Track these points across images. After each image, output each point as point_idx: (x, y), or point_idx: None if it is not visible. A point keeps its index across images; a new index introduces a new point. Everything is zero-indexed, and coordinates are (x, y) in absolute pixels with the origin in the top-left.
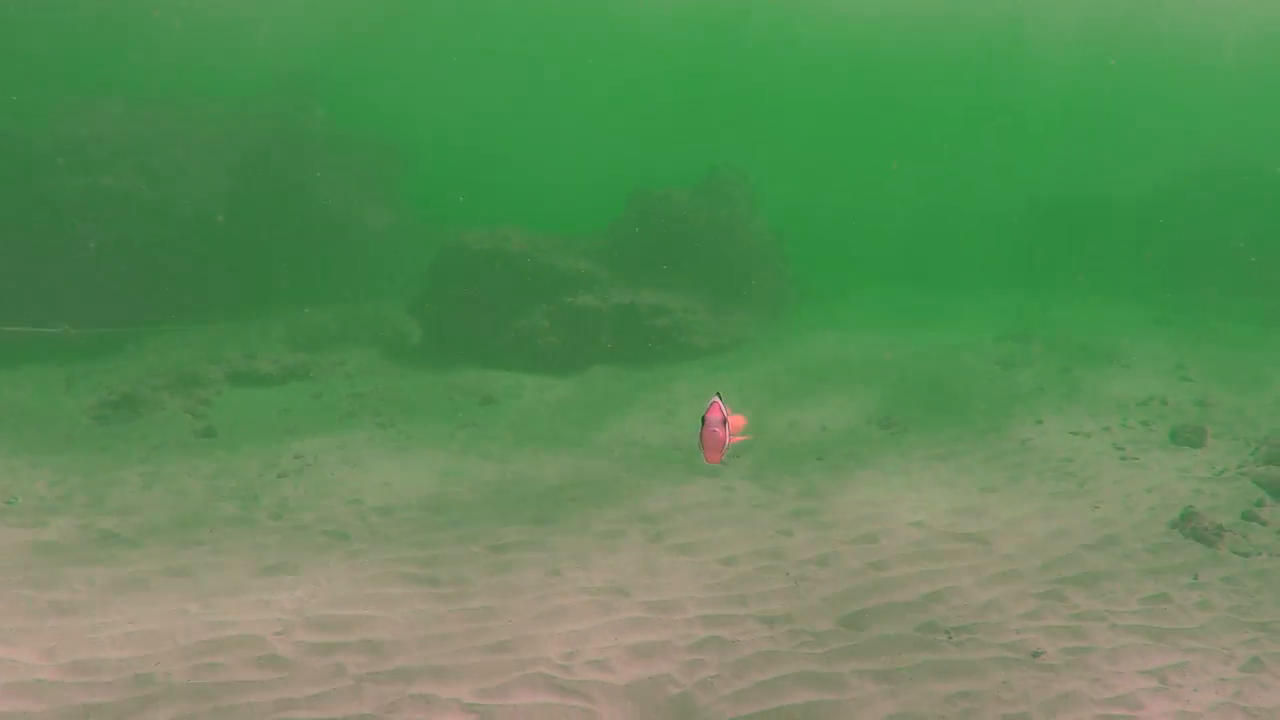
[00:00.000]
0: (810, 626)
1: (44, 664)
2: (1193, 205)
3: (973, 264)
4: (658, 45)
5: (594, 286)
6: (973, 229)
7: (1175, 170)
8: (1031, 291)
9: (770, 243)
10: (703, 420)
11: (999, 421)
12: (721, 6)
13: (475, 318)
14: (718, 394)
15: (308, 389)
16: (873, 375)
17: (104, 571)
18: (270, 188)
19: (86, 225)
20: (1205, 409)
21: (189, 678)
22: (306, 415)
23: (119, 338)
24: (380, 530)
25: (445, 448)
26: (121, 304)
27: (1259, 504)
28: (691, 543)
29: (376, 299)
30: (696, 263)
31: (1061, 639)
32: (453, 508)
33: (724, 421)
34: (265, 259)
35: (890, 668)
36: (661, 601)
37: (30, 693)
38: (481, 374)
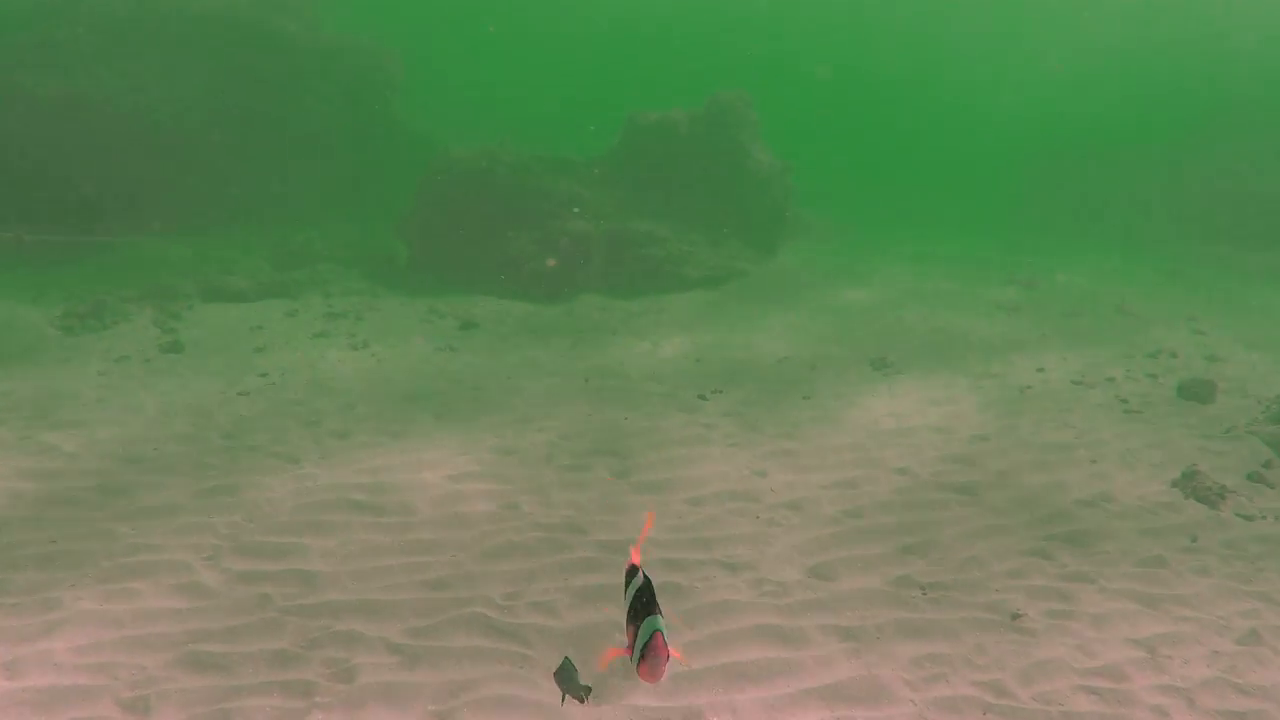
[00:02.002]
0: (775, 575)
1: None
2: (1216, 154)
3: (987, 209)
4: None
5: (587, 212)
6: (990, 172)
7: (1201, 114)
8: (1040, 239)
9: (773, 174)
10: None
11: (997, 367)
12: None
13: (462, 240)
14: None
15: (283, 307)
16: (870, 315)
17: (35, 486)
18: (252, 99)
19: (62, 130)
20: (1216, 364)
21: (101, 603)
22: (279, 334)
23: (94, 249)
24: (333, 454)
25: (418, 371)
26: (97, 213)
27: (1267, 465)
28: (659, 480)
29: (364, 220)
30: (694, 192)
31: (1045, 600)
32: (412, 432)
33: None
34: (246, 173)
35: (857, 624)
36: (618, 541)
37: None
38: (465, 298)
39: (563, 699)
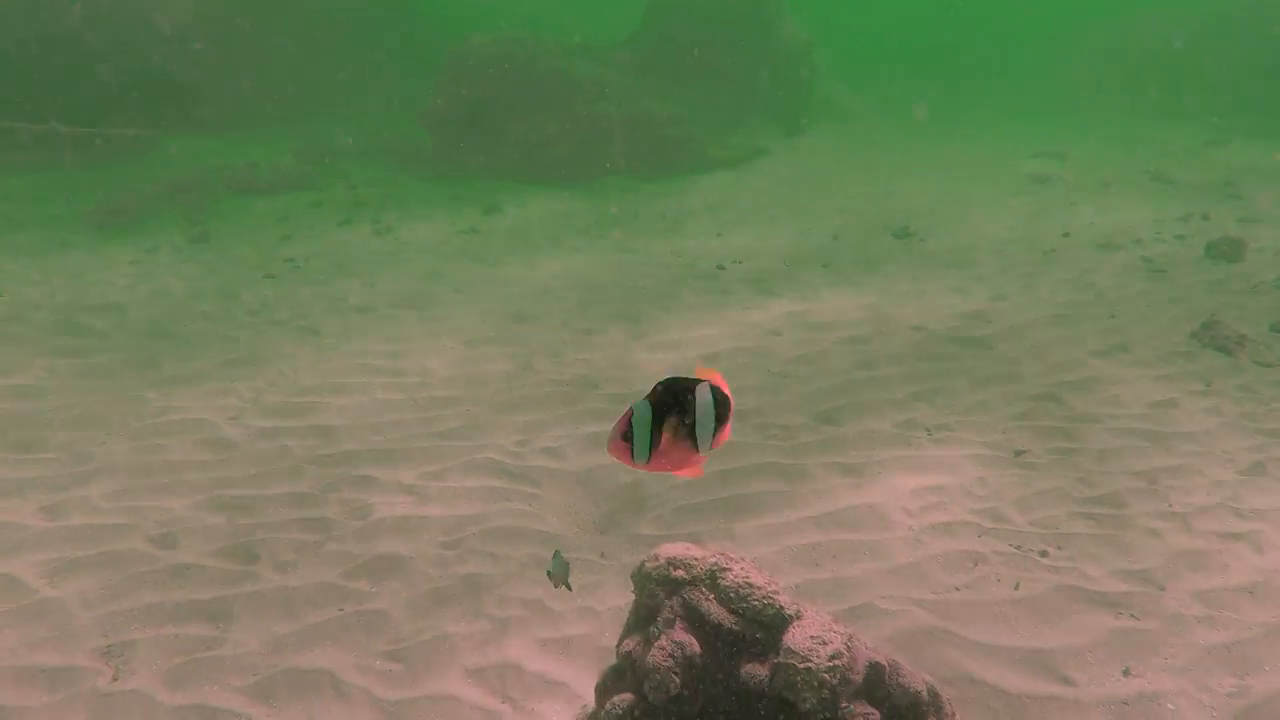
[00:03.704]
0: (782, 420)
1: None
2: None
3: (1018, 82)
4: None
5: (609, 94)
6: (1018, 40)
7: None
8: (1074, 112)
9: (798, 51)
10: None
11: (1022, 233)
12: None
13: (484, 127)
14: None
15: (309, 198)
16: (894, 188)
17: (68, 362)
18: (273, 7)
19: (90, 30)
20: (1249, 225)
21: (131, 456)
22: (304, 222)
23: (124, 147)
24: (355, 326)
25: (439, 252)
26: (127, 111)
27: None
28: (673, 340)
29: (389, 111)
30: (718, 71)
31: (1051, 439)
32: (433, 305)
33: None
34: (272, 71)
35: (860, 461)
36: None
37: None
38: (489, 184)
39: (555, 585)
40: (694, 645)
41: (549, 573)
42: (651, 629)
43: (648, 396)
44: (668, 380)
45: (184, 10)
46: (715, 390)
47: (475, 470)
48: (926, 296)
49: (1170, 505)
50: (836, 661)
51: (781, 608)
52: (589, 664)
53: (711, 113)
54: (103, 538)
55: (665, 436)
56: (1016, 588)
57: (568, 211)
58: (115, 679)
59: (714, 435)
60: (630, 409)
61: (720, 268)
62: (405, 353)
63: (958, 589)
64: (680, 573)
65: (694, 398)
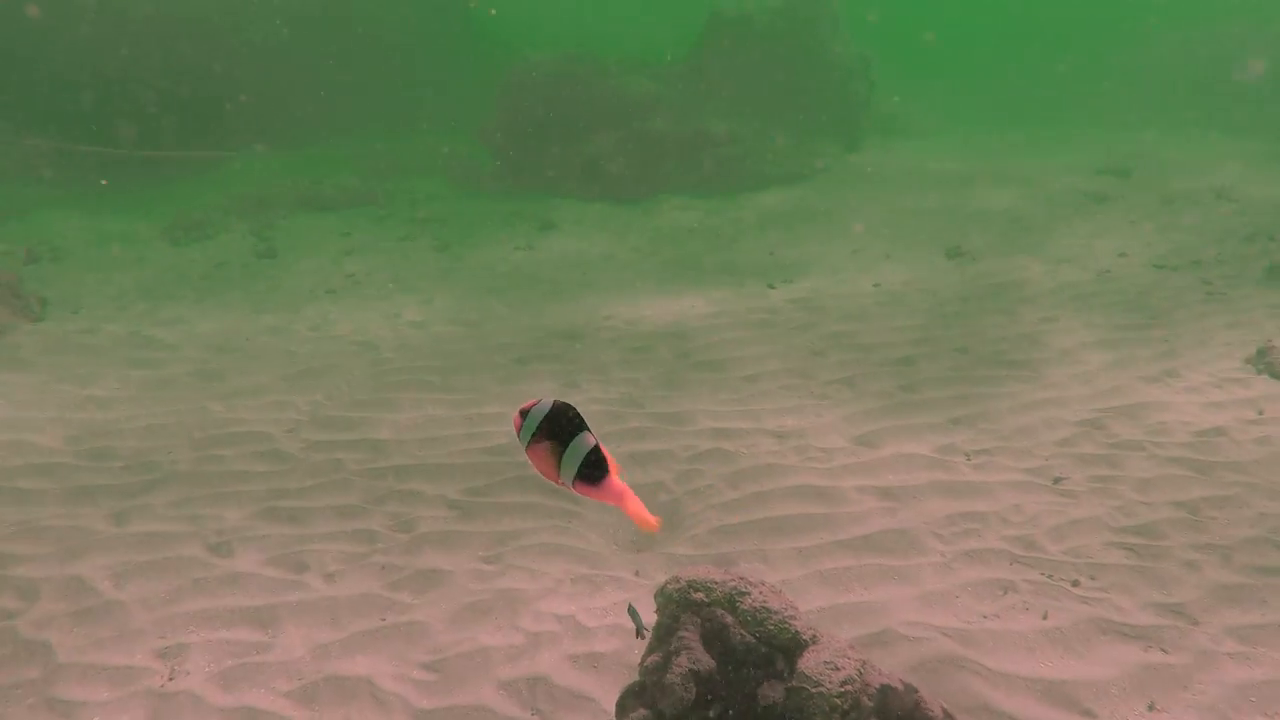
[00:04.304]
0: (822, 442)
1: (64, 449)
2: None
3: (1073, 94)
4: None
5: (665, 112)
6: (1075, 50)
7: None
8: (1135, 125)
9: (855, 66)
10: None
11: (1079, 253)
12: None
13: (542, 145)
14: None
15: (371, 213)
16: (951, 206)
17: (139, 373)
18: (341, 21)
19: (156, 48)
20: None
21: (193, 466)
22: (365, 238)
23: (196, 166)
24: (410, 342)
25: (494, 269)
26: (199, 133)
27: None
28: (718, 360)
29: (450, 131)
30: (775, 88)
31: (1093, 467)
32: (488, 321)
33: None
34: (336, 89)
35: (895, 485)
36: (672, 413)
37: (46, 474)
38: (546, 201)
39: (638, 633)
40: (709, 665)
41: (637, 626)
42: (669, 648)
43: (552, 405)
44: (572, 411)
45: (252, 33)
46: (594, 449)
47: (517, 486)
48: (974, 318)
49: (1211, 537)
50: (848, 687)
51: (797, 632)
52: (617, 680)
53: (769, 130)
54: (164, 544)
55: (539, 444)
56: (1045, 617)
57: (622, 229)
58: (170, 679)
59: (577, 480)
60: (537, 402)
61: (770, 286)
62: (457, 368)
63: (985, 617)
64: (700, 595)
65: (574, 438)
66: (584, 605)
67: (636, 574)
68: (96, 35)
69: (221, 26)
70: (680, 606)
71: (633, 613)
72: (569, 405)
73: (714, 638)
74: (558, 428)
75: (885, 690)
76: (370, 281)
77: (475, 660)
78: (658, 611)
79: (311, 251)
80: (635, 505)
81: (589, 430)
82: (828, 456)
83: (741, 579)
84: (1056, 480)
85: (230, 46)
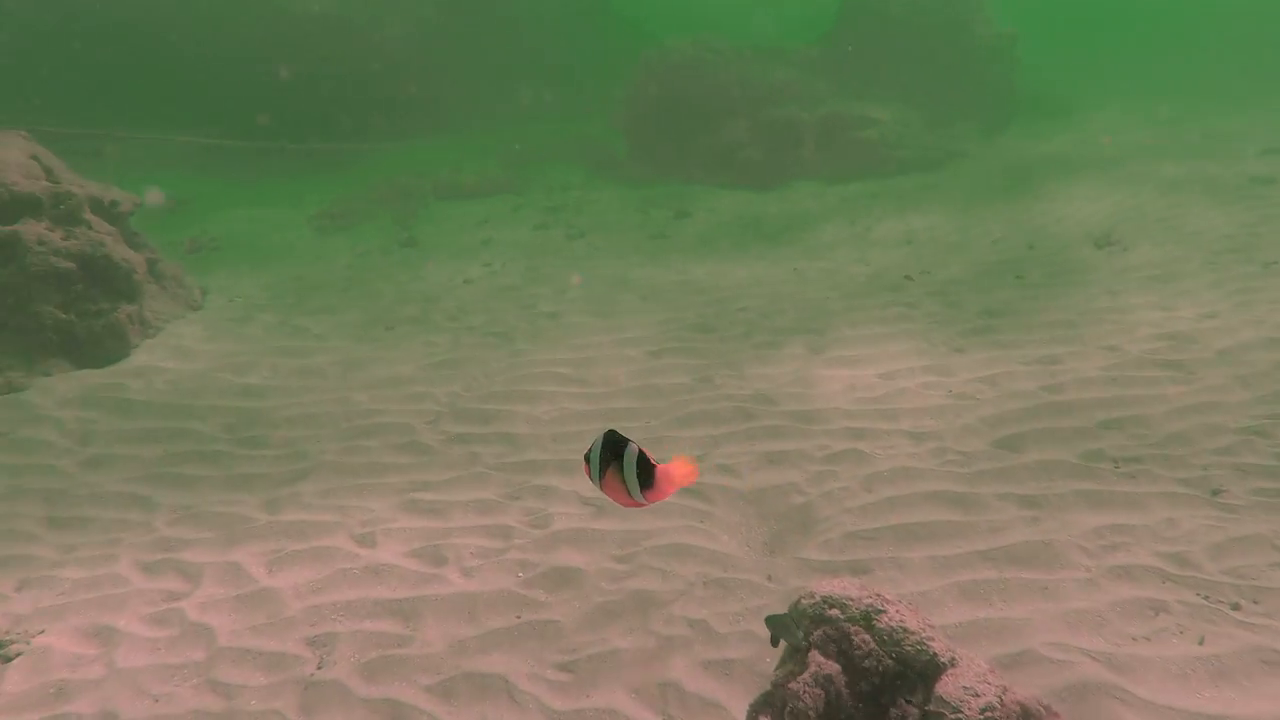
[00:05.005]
0: (960, 446)
1: (223, 437)
2: None
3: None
4: None
5: (799, 98)
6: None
7: None
8: None
9: (998, 46)
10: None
11: (1243, 243)
12: None
13: (676, 131)
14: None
15: (508, 202)
16: (1100, 190)
17: (290, 362)
18: (475, 16)
19: (315, 46)
20: None
21: (339, 457)
22: (503, 226)
23: (343, 156)
24: (544, 333)
25: (628, 258)
26: (343, 124)
27: None
28: (853, 356)
29: (585, 117)
30: (912, 71)
31: (1256, 479)
32: (619, 312)
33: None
34: (474, 78)
35: (1038, 494)
36: (806, 411)
37: (210, 461)
38: (680, 188)
39: (773, 641)
40: (840, 683)
41: (775, 629)
42: (801, 663)
43: (603, 437)
44: (608, 433)
45: (391, 26)
46: (641, 454)
47: None
48: (1125, 314)
49: None
50: (988, 715)
51: (935, 654)
52: (748, 688)
53: (904, 113)
54: (313, 533)
55: (610, 472)
56: (1201, 643)
57: (756, 216)
58: (319, 667)
59: (640, 489)
60: (597, 441)
61: (908, 278)
62: (590, 360)
63: (1134, 639)
64: (835, 611)
65: (625, 452)
66: (715, 610)
67: (769, 579)
68: (248, 34)
69: (361, 22)
70: (814, 622)
71: (772, 621)
72: (615, 431)
73: (847, 655)
74: (615, 450)
75: (1026, 717)
76: (506, 271)
77: (607, 662)
78: (792, 624)
79: (450, 241)
80: (681, 474)
81: (633, 443)
82: (966, 461)
83: (878, 595)
84: (1215, 492)
85: (371, 41)
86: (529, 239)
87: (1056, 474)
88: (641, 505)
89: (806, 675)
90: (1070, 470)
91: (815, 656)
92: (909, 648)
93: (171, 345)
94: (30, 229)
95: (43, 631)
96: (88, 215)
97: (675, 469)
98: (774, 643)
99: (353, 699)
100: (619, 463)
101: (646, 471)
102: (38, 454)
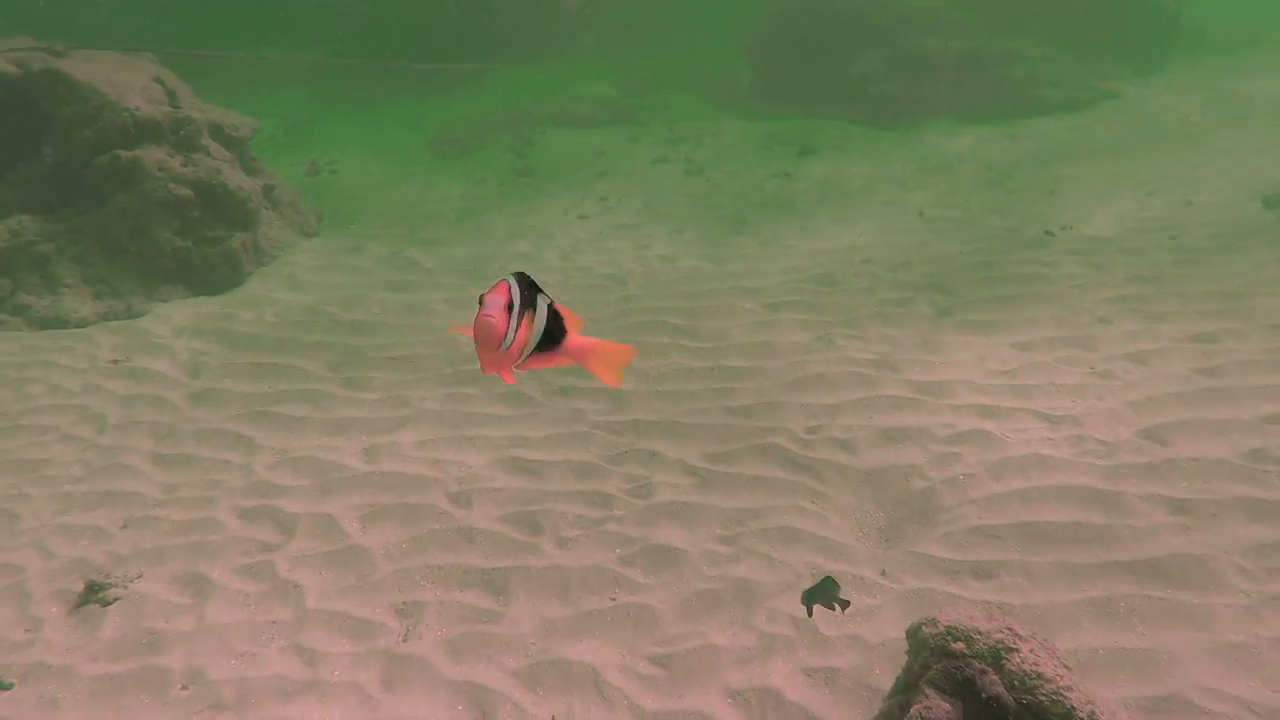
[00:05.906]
0: (1101, 434)
1: (327, 376)
2: None
3: None
4: None
5: (938, 29)
6: None
7: None
8: None
9: None
10: (480, 302)
11: None
12: None
13: (805, 62)
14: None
15: (626, 132)
16: (1270, 143)
17: (398, 298)
18: None
19: None
20: None
21: (441, 405)
22: (620, 158)
23: (462, 78)
24: (658, 278)
25: (748, 197)
26: (466, 45)
27: None
28: (986, 321)
29: (710, 44)
30: (1059, 3)
31: None
32: (736, 259)
33: (510, 309)
34: (595, 4)
35: (1191, 497)
36: (931, 383)
37: (310, 400)
38: (806, 123)
39: (809, 612)
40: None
41: (809, 594)
42: (912, 699)
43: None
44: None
45: None
46: (552, 307)
47: (761, 456)
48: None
49: None
50: None
51: (1073, 709)
52: (853, 703)
53: (1052, 48)
54: (408, 488)
55: (524, 323)
56: None
57: (887, 157)
58: (404, 639)
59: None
60: (506, 282)
61: (1048, 233)
62: (703, 310)
63: None
64: (960, 646)
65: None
66: (822, 610)
67: (883, 573)
68: None
69: None
70: (934, 655)
71: (808, 595)
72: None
73: (968, 697)
74: (529, 295)
75: None
76: (622, 207)
77: (703, 659)
78: (909, 653)
79: (567, 171)
80: (599, 360)
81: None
82: (1108, 452)
83: (1009, 629)
84: None
85: None
86: (646, 172)
87: (1213, 475)
88: (507, 373)
89: (916, 711)
90: (1230, 472)
91: (930, 694)
92: (1043, 698)
93: (284, 274)
94: (151, 155)
95: (140, 576)
96: (206, 141)
97: (600, 343)
98: (809, 613)
99: (436, 678)
100: (532, 310)
101: (556, 331)
102: (150, 384)
